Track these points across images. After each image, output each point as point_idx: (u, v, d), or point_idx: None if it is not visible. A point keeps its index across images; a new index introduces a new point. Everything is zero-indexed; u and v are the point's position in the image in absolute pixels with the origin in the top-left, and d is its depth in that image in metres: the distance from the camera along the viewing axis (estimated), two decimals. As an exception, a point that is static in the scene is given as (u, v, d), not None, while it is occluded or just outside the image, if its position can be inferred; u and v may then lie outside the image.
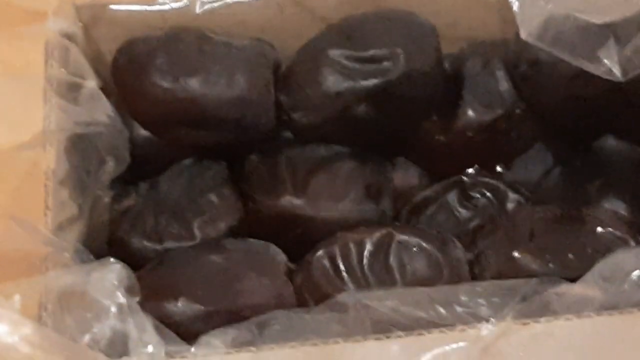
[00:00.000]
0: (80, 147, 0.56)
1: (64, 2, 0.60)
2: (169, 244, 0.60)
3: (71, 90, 0.56)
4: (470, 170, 0.65)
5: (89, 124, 0.55)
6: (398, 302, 0.48)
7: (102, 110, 0.56)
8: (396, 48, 0.60)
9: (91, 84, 0.56)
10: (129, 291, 0.48)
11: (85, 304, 0.46)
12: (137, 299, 0.48)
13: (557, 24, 0.54)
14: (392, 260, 0.56)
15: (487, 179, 0.64)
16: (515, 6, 0.56)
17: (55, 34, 0.57)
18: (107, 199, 0.60)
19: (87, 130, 0.55)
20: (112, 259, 0.49)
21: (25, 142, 0.52)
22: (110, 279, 0.46)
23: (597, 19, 0.53)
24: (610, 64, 0.53)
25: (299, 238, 0.60)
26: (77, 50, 0.58)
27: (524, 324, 0.46)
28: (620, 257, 0.48)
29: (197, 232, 0.60)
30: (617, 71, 0.53)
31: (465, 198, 0.64)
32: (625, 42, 0.53)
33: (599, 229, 0.56)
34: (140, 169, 0.63)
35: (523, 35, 0.55)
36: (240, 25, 0.63)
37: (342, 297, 0.50)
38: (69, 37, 0.59)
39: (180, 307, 0.54)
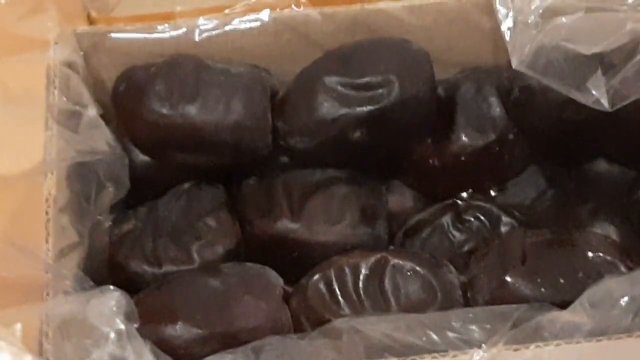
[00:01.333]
0: (81, 174, 0.57)
1: (65, 30, 0.61)
2: (168, 268, 0.60)
3: (72, 118, 0.57)
4: (464, 194, 0.66)
5: (89, 152, 0.56)
6: (391, 328, 0.49)
7: (102, 138, 0.57)
8: (391, 75, 0.61)
9: (91, 112, 0.57)
10: (127, 317, 0.49)
11: (84, 331, 0.47)
12: (136, 325, 0.49)
13: (548, 53, 0.55)
14: (387, 284, 0.57)
15: (480, 203, 0.65)
16: (507, 35, 0.57)
17: (56, 62, 0.58)
18: (107, 224, 0.61)
19: (88, 159, 0.56)
20: (111, 287, 0.50)
21: (26, 170, 0.53)
22: (109, 306, 0.47)
23: (586, 50, 0.54)
24: (598, 95, 0.54)
25: (295, 261, 0.61)
26: (77, 79, 0.59)
27: (515, 349, 0.47)
28: (609, 284, 0.49)
29: (195, 256, 0.61)
30: (605, 102, 0.54)
31: (459, 221, 0.65)
32: (614, 72, 0.54)
33: (590, 254, 0.57)
34: (139, 193, 0.64)
35: (514, 64, 0.56)
36: (237, 51, 0.64)
37: (336, 323, 0.51)
38: (70, 65, 0.60)
39: (179, 330, 0.55)
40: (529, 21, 0.57)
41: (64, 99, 0.56)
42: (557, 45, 0.55)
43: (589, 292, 0.49)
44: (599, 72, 0.54)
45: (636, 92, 0.54)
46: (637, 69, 0.55)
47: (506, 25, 0.57)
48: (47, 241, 0.53)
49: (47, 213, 0.54)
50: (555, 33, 0.55)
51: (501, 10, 0.58)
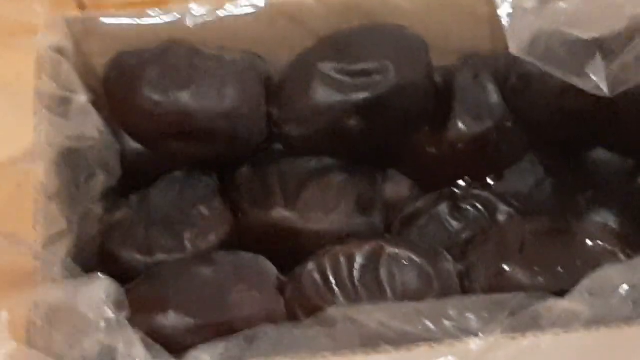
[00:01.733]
0: (71, 161, 0.56)
1: (54, 15, 0.60)
2: (160, 257, 0.60)
3: (62, 105, 0.56)
4: (461, 182, 0.65)
5: (79, 138, 0.55)
6: (387, 317, 0.48)
7: (93, 125, 0.56)
8: (386, 61, 0.60)
9: (82, 98, 0.56)
10: (117, 306, 0.48)
11: (73, 319, 0.46)
12: (125, 313, 0.48)
13: (546, 39, 0.55)
14: (383, 273, 0.56)
15: (478, 191, 0.64)
16: (505, 21, 0.56)
17: (46, 48, 0.57)
18: (97, 212, 0.60)
19: (78, 145, 0.55)
20: (100, 274, 0.49)
21: (15, 157, 0.52)
22: (98, 294, 0.46)
23: (585, 35, 0.53)
24: (598, 80, 0.53)
25: (290, 250, 0.60)
26: (67, 65, 0.58)
27: (512, 338, 0.47)
28: (607, 272, 0.49)
29: (187, 245, 0.60)
30: (604, 87, 0.53)
31: (456, 210, 0.64)
32: (613, 57, 0.53)
33: (589, 242, 0.56)
34: (131, 180, 0.63)
35: (512, 49, 0.55)
36: (231, 38, 0.63)
37: (331, 311, 0.50)
38: (60, 51, 0.59)
39: (171, 320, 0.54)
40: (527, 6, 0.56)
41: (54, 84, 0.55)
42: (556, 31, 0.54)
43: (587, 280, 0.48)
44: (598, 57, 0.54)
45: (636, 77, 0.54)
46: (636, 54, 0.54)
47: (504, 10, 0.57)
48: (35, 229, 0.52)
49: (36, 200, 0.53)
50: (554, 18, 0.55)
51: None
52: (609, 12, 0.55)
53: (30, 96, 0.55)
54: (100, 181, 0.58)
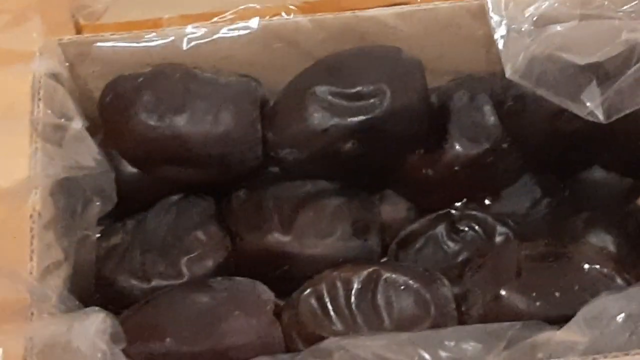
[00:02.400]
0: (67, 189, 0.56)
1: (49, 40, 0.60)
2: (156, 283, 0.59)
3: (57, 132, 0.56)
4: (458, 204, 0.65)
5: (74, 167, 0.55)
6: (382, 348, 0.48)
7: (88, 152, 0.56)
8: (382, 84, 0.60)
9: (77, 125, 0.56)
10: (113, 339, 0.48)
11: (68, 354, 0.46)
12: (122, 346, 0.48)
13: (541, 63, 0.54)
14: (380, 299, 0.56)
15: (475, 212, 0.64)
16: (500, 44, 0.56)
17: (41, 74, 0.57)
18: (93, 238, 0.60)
19: (73, 173, 0.55)
20: (96, 308, 0.49)
21: (11, 186, 0.52)
22: (93, 329, 0.46)
23: (580, 60, 0.53)
24: (592, 107, 0.53)
25: (286, 274, 0.60)
26: (62, 91, 0.58)
27: (509, 369, 0.46)
28: (604, 301, 0.48)
29: (184, 270, 0.60)
30: (599, 114, 0.53)
31: (453, 231, 0.64)
32: (609, 84, 0.53)
33: (586, 266, 0.56)
34: (127, 205, 0.63)
35: (508, 73, 0.55)
36: (226, 60, 0.63)
37: (325, 343, 0.50)
38: (55, 77, 0.58)
39: (167, 347, 0.54)
40: (523, 29, 0.56)
41: (49, 112, 0.55)
42: (551, 55, 0.54)
43: (584, 310, 0.48)
44: (594, 83, 0.53)
45: (631, 104, 0.53)
46: (632, 81, 0.53)
47: (499, 33, 0.57)
48: (31, 259, 0.52)
49: (31, 230, 0.53)
50: (549, 42, 0.54)
51: (494, 18, 0.57)
52: (605, 36, 0.54)
53: (26, 124, 0.55)
54: (96, 208, 0.58)
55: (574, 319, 0.48)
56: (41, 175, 0.53)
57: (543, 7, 0.56)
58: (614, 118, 0.53)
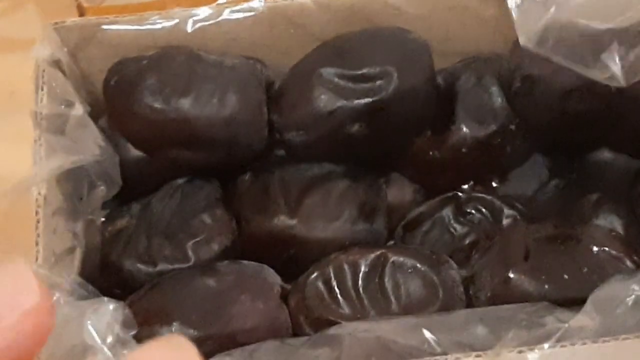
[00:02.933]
0: (71, 174, 0.56)
1: (46, 27, 0.59)
2: (163, 267, 0.59)
3: (59, 120, 0.55)
4: (465, 186, 0.64)
5: (78, 153, 0.54)
6: (391, 332, 0.48)
7: (92, 139, 0.56)
8: (389, 66, 0.59)
9: (78, 111, 0.55)
10: (125, 325, 0.47)
11: (80, 340, 0.46)
12: (133, 332, 0.48)
13: (557, 30, 0.53)
14: (387, 282, 0.56)
15: (482, 195, 0.64)
16: (515, 13, 0.55)
17: (41, 62, 0.56)
18: (99, 222, 0.60)
19: (78, 163, 0.54)
20: (105, 298, 0.49)
21: (15, 175, 0.51)
22: (104, 319, 0.46)
23: (600, 25, 0.52)
24: (613, 70, 0.52)
25: (293, 258, 0.60)
26: (62, 78, 0.57)
27: (519, 352, 0.46)
28: (614, 284, 0.48)
29: (190, 254, 0.59)
30: (620, 77, 0.52)
31: (460, 214, 0.64)
32: (628, 47, 0.52)
33: (595, 248, 0.56)
34: (133, 188, 0.63)
35: (522, 41, 0.54)
36: (231, 42, 0.63)
37: (334, 329, 0.50)
38: (56, 63, 0.58)
39: (174, 332, 0.54)
40: (537, -2, 0.55)
41: (51, 101, 0.55)
42: (568, 22, 0.53)
43: (595, 293, 0.48)
44: (614, 47, 0.52)
45: None
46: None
47: (513, 1, 0.56)
48: (37, 243, 0.51)
49: (37, 214, 0.52)
50: (565, 9, 0.53)
51: None
52: (622, 2, 0.53)
53: (29, 113, 0.54)
54: (101, 192, 0.58)
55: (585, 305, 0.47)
56: (45, 167, 0.52)
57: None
58: (633, 81, 0.52)
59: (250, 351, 0.50)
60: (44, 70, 0.56)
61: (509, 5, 0.55)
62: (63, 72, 0.58)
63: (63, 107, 0.55)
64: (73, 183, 0.56)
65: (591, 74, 0.54)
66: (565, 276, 0.54)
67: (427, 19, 0.63)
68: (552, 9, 0.54)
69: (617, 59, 0.53)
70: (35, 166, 0.51)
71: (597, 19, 0.53)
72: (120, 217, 0.62)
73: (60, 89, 0.56)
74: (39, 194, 0.52)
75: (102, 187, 0.58)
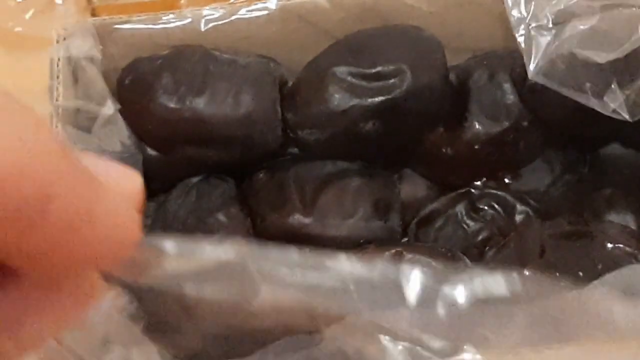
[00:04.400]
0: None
1: (83, 22, 0.59)
2: (178, 265, 0.59)
3: (86, 116, 0.55)
4: (478, 182, 0.65)
5: (101, 152, 0.54)
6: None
7: (117, 137, 0.56)
8: (402, 64, 0.59)
9: (109, 110, 0.55)
10: (133, 319, 0.48)
11: (90, 335, 0.46)
12: (141, 326, 0.48)
13: (563, 62, 0.54)
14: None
15: (495, 191, 0.64)
16: (522, 44, 0.55)
17: (67, 58, 0.56)
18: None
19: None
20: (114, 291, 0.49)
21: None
22: (113, 307, 0.46)
23: (601, 58, 0.53)
24: (616, 106, 0.53)
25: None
26: (97, 74, 0.57)
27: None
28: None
29: (206, 253, 0.59)
30: (624, 113, 0.53)
31: (473, 210, 0.64)
32: (631, 80, 0.53)
33: (609, 245, 0.56)
34: (148, 187, 0.63)
35: (531, 75, 0.55)
36: (244, 41, 0.63)
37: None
38: (89, 59, 0.58)
39: (189, 332, 0.54)
40: (543, 28, 0.56)
41: (81, 95, 0.55)
42: (572, 54, 0.54)
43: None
44: (615, 82, 0.53)
45: None
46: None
47: (520, 32, 0.56)
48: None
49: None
50: (570, 40, 0.54)
51: (514, 17, 0.56)
52: (624, 30, 0.54)
53: (48, 109, 0.54)
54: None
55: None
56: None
57: (562, 3, 0.56)
58: (639, 116, 0.53)
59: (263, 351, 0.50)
60: (59, 66, 0.56)
61: (516, 36, 0.56)
62: (94, 68, 0.58)
63: (93, 104, 0.55)
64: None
65: (598, 107, 0.55)
66: (580, 273, 0.55)
67: (439, 15, 0.63)
68: (556, 42, 0.54)
69: (619, 95, 0.54)
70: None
71: (600, 49, 0.54)
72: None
73: (90, 85, 0.56)
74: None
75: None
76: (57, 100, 0.54)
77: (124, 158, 0.58)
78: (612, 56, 0.52)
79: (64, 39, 0.57)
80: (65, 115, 0.54)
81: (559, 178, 0.66)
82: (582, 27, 0.53)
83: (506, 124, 0.62)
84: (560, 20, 0.54)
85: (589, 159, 0.66)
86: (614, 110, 0.53)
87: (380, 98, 0.59)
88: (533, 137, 0.63)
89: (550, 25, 0.54)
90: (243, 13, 0.63)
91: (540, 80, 0.54)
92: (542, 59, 0.53)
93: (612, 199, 0.63)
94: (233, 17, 0.63)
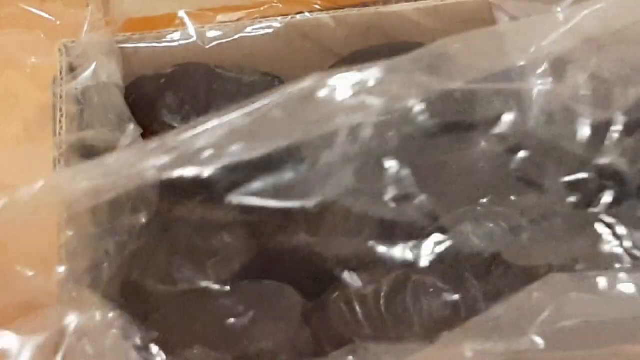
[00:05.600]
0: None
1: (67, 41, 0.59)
2: (183, 286, 0.59)
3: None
4: (484, 200, 0.64)
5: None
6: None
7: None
8: (407, 83, 0.59)
9: (129, 136, 0.55)
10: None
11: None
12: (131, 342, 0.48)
13: (560, 118, 0.56)
14: (409, 301, 0.56)
15: (500, 209, 0.64)
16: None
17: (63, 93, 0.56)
18: (117, 240, 0.60)
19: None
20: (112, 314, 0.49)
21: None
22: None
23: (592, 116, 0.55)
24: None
25: (314, 275, 0.60)
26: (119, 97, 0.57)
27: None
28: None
29: (211, 273, 0.59)
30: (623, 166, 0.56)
31: (479, 228, 0.63)
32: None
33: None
34: (151, 205, 0.63)
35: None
36: (248, 58, 0.63)
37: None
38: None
39: (195, 354, 0.54)
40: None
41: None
42: (569, 110, 0.56)
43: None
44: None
45: None
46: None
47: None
48: (62, 263, 0.52)
49: (61, 235, 0.52)
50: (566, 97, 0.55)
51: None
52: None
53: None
54: (140, 217, 0.58)
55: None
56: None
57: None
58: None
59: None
60: (62, 99, 0.55)
61: None
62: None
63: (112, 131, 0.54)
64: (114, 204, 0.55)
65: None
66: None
67: (445, 32, 0.63)
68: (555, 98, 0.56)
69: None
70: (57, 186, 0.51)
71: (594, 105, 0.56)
72: (139, 236, 0.62)
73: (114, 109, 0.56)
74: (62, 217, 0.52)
75: (143, 213, 0.58)
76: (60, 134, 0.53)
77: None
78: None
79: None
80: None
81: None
82: (575, 84, 0.54)
83: (512, 141, 0.61)
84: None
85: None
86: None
87: (386, 116, 0.58)
88: (539, 154, 0.63)
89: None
90: (248, 31, 0.62)
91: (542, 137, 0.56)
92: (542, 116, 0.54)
93: (618, 217, 0.62)
94: (237, 35, 0.62)
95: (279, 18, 0.61)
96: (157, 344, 0.53)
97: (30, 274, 0.50)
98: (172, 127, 0.58)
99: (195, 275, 0.59)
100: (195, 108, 0.58)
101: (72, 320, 0.49)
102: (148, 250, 0.61)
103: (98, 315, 0.51)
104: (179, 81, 0.60)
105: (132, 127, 0.57)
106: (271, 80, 0.61)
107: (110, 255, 0.55)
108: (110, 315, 0.51)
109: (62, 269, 0.52)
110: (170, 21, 0.65)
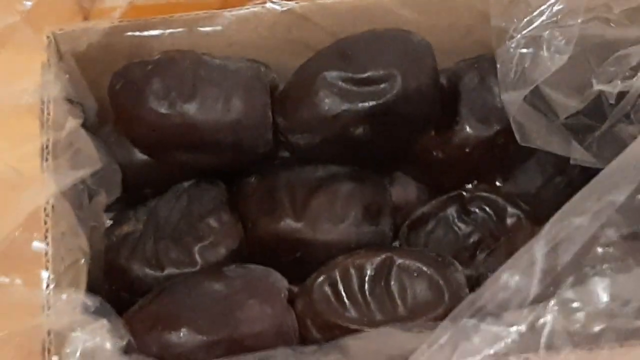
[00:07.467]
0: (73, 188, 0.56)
1: (55, 29, 0.60)
2: (170, 271, 0.59)
3: (65, 146, 0.56)
4: (469, 185, 0.65)
5: (82, 171, 0.55)
6: (402, 341, 0.48)
7: (94, 155, 0.57)
8: (393, 69, 0.59)
9: (73, 124, 0.56)
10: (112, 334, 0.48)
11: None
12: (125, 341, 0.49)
13: (546, 125, 0.58)
14: (393, 285, 0.56)
15: (486, 194, 0.64)
16: (511, 112, 0.58)
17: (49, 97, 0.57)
18: (102, 229, 0.60)
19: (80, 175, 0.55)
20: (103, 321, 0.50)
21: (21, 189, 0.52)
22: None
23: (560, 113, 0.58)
24: (580, 155, 0.59)
25: (299, 260, 0.60)
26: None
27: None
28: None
29: (197, 258, 0.60)
30: (588, 159, 0.58)
31: (464, 213, 0.64)
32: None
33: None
34: (139, 191, 0.63)
35: (521, 142, 0.59)
36: (235, 46, 0.63)
37: (346, 340, 0.50)
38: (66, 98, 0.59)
39: (182, 337, 0.54)
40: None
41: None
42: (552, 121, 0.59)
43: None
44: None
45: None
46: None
47: (509, 100, 0.59)
48: (46, 253, 0.52)
49: (45, 225, 0.53)
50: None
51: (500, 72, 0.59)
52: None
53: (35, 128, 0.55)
54: (102, 199, 0.58)
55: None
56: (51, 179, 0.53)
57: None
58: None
59: (260, 358, 0.50)
60: (49, 103, 0.56)
61: (505, 104, 0.59)
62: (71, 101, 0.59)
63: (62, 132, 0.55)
64: (74, 195, 0.56)
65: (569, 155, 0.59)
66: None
67: (430, 18, 0.64)
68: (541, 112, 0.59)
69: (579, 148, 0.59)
70: (43, 187, 0.52)
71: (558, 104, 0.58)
72: (127, 221, 0.62)
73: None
74: (47, 203, 0.53)
75: (103, 194, 0.58)
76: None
77: (103, 172, 0.58)
78: (568, 111, 0.58)
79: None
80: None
81: (550, 180, 0.66)
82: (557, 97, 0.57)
83: (497, 127, 0.62)
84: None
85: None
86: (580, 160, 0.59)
87: (371, 103, 0.59)
88: (524, 140, 0.63)
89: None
90: (233, 19, 0.63)
91: (529, 144, 0.59)
92: (528, 127, 0.58)
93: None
94: (223, 23, 0.63)
95: (264, 5, 0.61)
96: (144, 327, 0.54)
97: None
98: (158, 113, 0.59)
99: (182, 259, 0.60)
100: (181, 94, 0.58)
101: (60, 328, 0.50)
102: (134, 234, 0.62)
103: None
104: (166, 67, 0.60)
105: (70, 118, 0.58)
106: (257, 67, 0.61)
107: (84, 244, 0.55)
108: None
109: (46, 260, 0.52)
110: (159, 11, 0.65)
